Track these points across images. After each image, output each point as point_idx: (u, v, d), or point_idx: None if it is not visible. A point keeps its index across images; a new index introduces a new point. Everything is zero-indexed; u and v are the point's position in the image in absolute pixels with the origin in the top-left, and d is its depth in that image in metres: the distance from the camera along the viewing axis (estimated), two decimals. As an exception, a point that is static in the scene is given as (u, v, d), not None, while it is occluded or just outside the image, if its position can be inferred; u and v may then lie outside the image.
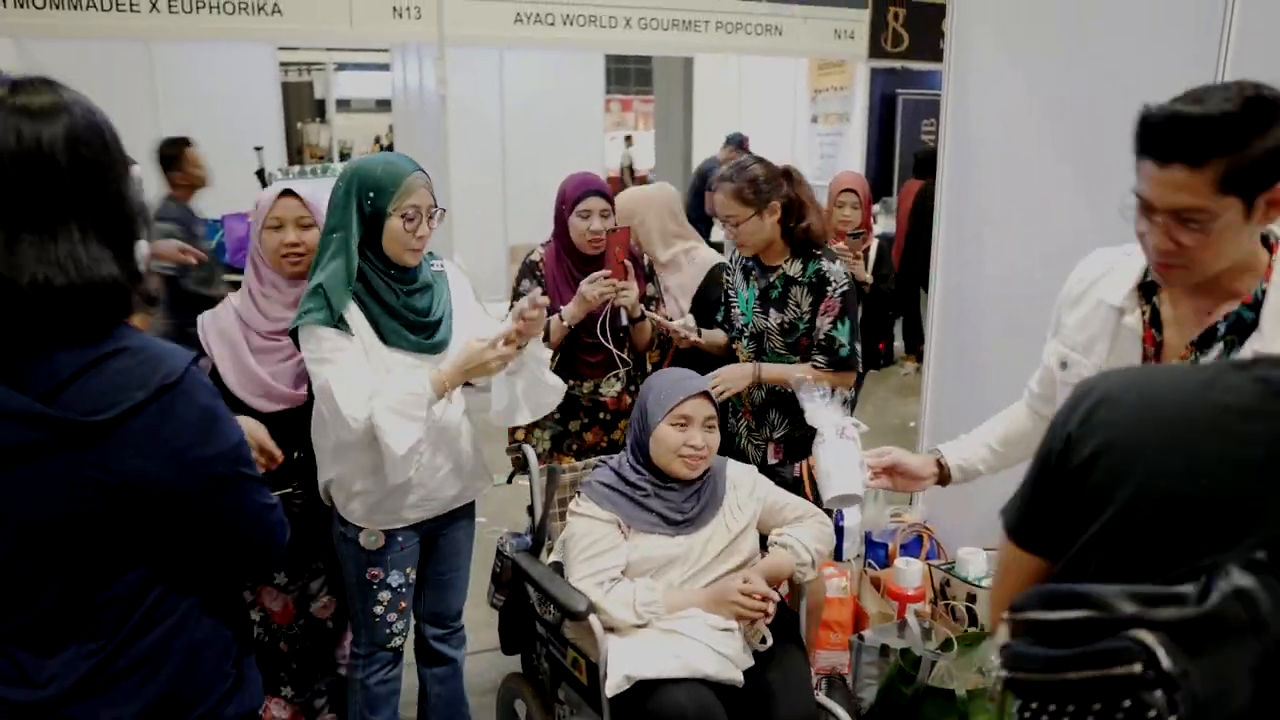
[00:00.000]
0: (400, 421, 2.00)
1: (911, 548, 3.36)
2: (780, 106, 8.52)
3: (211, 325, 2.22)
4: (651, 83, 10.43)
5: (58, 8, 5.20)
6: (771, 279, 2.72)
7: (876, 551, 3.42)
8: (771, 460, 2.84)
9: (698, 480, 2.16)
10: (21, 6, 5.15)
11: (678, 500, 2.13)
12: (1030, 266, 2.98)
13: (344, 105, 11.59)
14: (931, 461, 1.87)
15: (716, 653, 2.00)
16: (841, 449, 1.84)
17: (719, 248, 7.46)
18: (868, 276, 3.15)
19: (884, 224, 7.81)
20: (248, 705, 1.35)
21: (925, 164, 6.05)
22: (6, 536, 1.15)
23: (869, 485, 1.83)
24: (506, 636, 2.40)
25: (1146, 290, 1.50)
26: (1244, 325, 1.40)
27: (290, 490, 2.22)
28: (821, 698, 2.11)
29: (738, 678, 2.00)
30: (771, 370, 2.69)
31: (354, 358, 2.04)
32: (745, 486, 2.21)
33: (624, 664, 1.95)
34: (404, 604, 2.28)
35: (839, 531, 3.51)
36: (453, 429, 2.22)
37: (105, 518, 1.14)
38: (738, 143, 7.51)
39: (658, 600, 2.02)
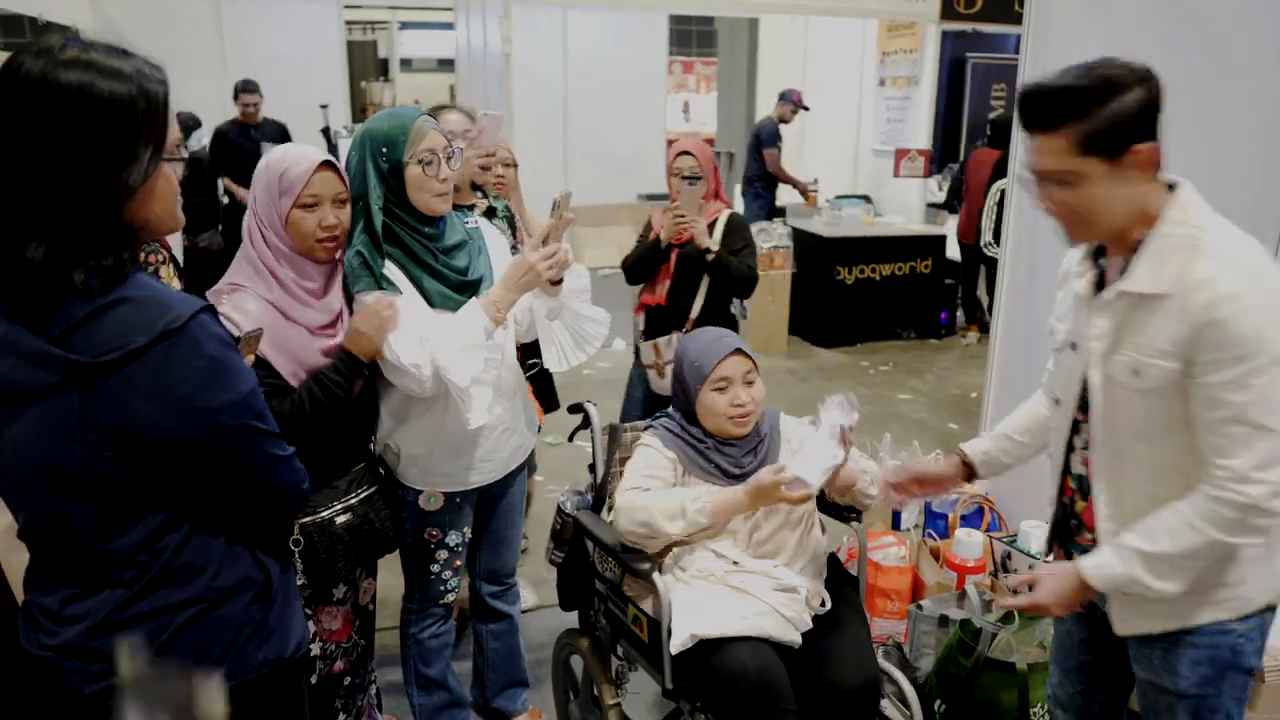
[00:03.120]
0: (461, 355, 1.97)
1: (972, 519, 3.33)
2: (847, 69, 8.35)
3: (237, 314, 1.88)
4: (714, 44, 10.27)
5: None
6: None
7: (936, 522, 3.40)
8: None
9: (754, 435, 2.16)
10: (96, -41, 5.23)
11: (737, 455, 2.14)
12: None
13: (407, 65, 11.60)
14: (955, 462, 1.95)
15: (779, 613, 2.00)
16: (824, 445, 1.92)
17: (782, 212, 7.44)
18: (711, 243, 3.12)
19: (944, 191, 7.66)
20: (280, 651, 1.35)
21: (1001, 132, 5.86)
22: (35, 478, 1.18)
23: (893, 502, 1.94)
24: (565, 593, 2.42)
25: (1097, 254, 1.61)
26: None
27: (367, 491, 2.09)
28: (883, 663, 2.10)
29: (796, 639, 2.00)
30: None
31: (405, 312, 1.98)
32: (798, 439, 2.20)
33: (688, 622, 1.97)
34: (459, 562, 2.32)
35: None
36: (507, 384, 2.23)
37: (115, 461, 1.16)
38: (791, 99, 7.40)
39: (704, 498, 2.03)
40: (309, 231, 1.90)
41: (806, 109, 7.42)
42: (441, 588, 2.32)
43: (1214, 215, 1.48)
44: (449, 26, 8.03)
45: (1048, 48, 3.17)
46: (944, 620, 2.63)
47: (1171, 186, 1.50)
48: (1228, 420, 1.39)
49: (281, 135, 6.42)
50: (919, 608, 2.72)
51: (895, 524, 3.41)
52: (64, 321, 1.12)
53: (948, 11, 6.13)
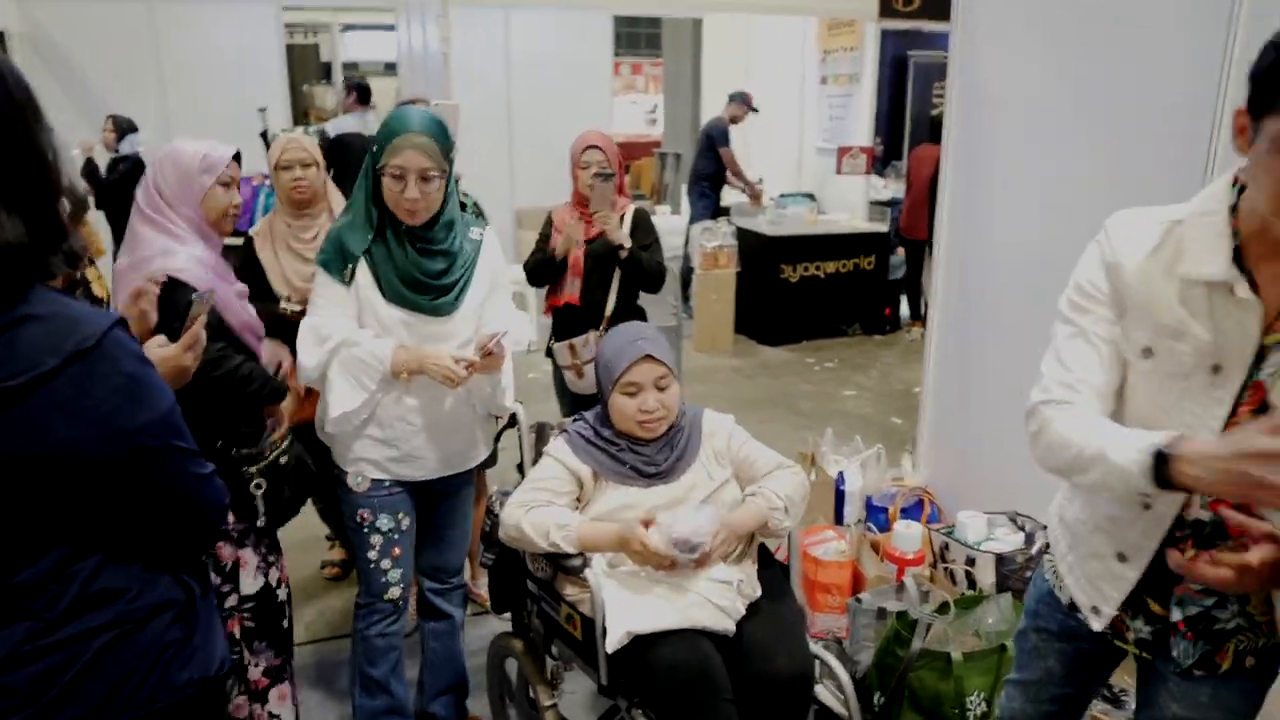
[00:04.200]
0: (349, 384, 2.14)
1: (912, 512, 3.34)
2: (789, 68, 8.40)
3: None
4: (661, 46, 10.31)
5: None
6: None
7: (877, 515, 3.42)
8: None
9: (673, 431, 2.14)
10: (19, -39, 5.09)
11: (650, 453, 2.13)
12: (1040, 232, 2.93)
13: (351, 68, 11.49)
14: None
15: (712, 604, 1.99)
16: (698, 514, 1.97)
17: (725, 211, 7.45)
18: (624, 239, 3.15)
19: (894, 189, 7.74)
20: (204, 669, 1.29)
21: (940, 128, 5.93)
22: None
23: None
24: (497, 595, 2.39)
25: (1238, 257, 1.31)
26: None
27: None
28: (816, 648, 2.10)
29: (730, 627, 1.99)
30: None
31: (334, 305, 2.15)
32: (721, 437, 2.19)
33: (623, 619, 1.95)
34: (397, 551, 2.30)
35: (839, 496, 3.50)
36: (437, 395, 2.23)
37: (17, 491, 1.09)
38: (742, 99, 7.42)
39: (571, 526, 2.02)
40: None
41: (756, 110, 7.45)
42: (382, 579, 2.30)
43: None
44: (392, 28, 7.99)
45: (976, 46, 3.21)
46: (882, 613, 2.64)
47: None
48: None
49: None
50: (858, 601, 2.72)
51: (839, 519, 3.42)
52: None
53: (886, 9, 6.20)
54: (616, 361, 2.12)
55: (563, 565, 2.06)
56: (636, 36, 15.17)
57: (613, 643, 1.93)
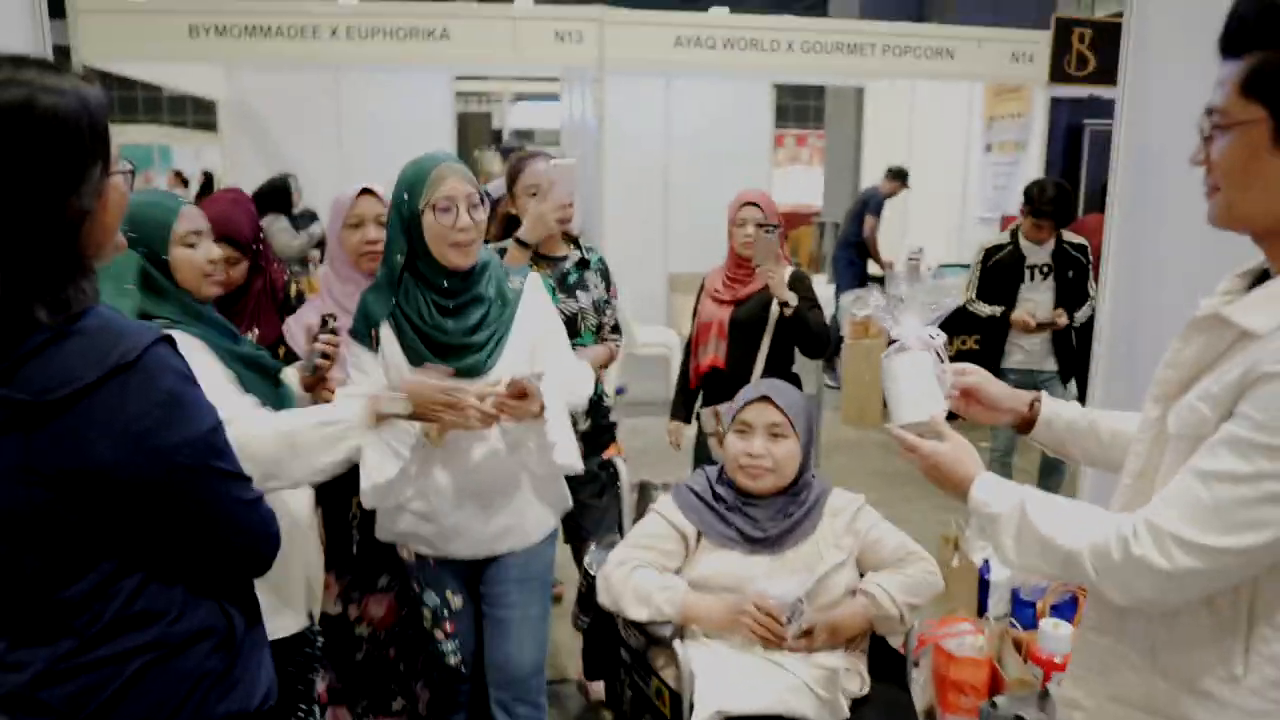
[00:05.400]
0: (379, 452, 1.84)
1: (1064, 610, 3.02)
2: (952, 135, 8.14)
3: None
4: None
5: (252, 35, 5.56)
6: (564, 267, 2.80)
7: (1024, 611, 3.11)
8: None
9: (784, 497, 1.99)
10: (221, 35, 5.55)
11: (761, 518, 1.97)
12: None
13: (524, 136, 11.99)
14: (1022, 400, 1.54)
15: (813, 692, 1.80)
16: (918, 363, 1.48)
17: (879, 280, 7.23)
18: (789, 295, 2.93)
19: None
20: (244, 703, 1.25)
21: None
22: None
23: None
24: (590, 661, 2.27)
25: (1255, 283, 1.19)
26: None
27: None
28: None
29: None
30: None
31: (365, 376, 1.97)
32: (846, 516, 2.01)
33: (714, 695, 1.79)
34: (450, 627, 2.16)
35: (983, 585, 3.21)
36: (478, 462, 2.00)
37: (60, 505, 1.08)
38: (899, 176, 7.27)
39: (677, 591, 1.88)
40: (354, 246, 2.22)
41: (908, 187, 7.34)
42: (437, 647, 2.19)
43: None
44: (558, 99, 8.29)
45: (1146, 111, 2.96)
46: (1019, 720, 2.36)
47: None
48: (1200, 474, 1.09)
49: None
50: (992, 705, 2.45)
51: (981, 611, 3.13)
52: (6, 357, 1.05)
53: (1057, 74, 5.91)
54: (737, 401, 2.07)
55: (653, 635, 1.93)
56: (805, 109, 15.25)
57: None
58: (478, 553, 2.07)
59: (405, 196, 1.92)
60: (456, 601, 2.13)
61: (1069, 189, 4.22)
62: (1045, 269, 4.16)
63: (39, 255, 1.06)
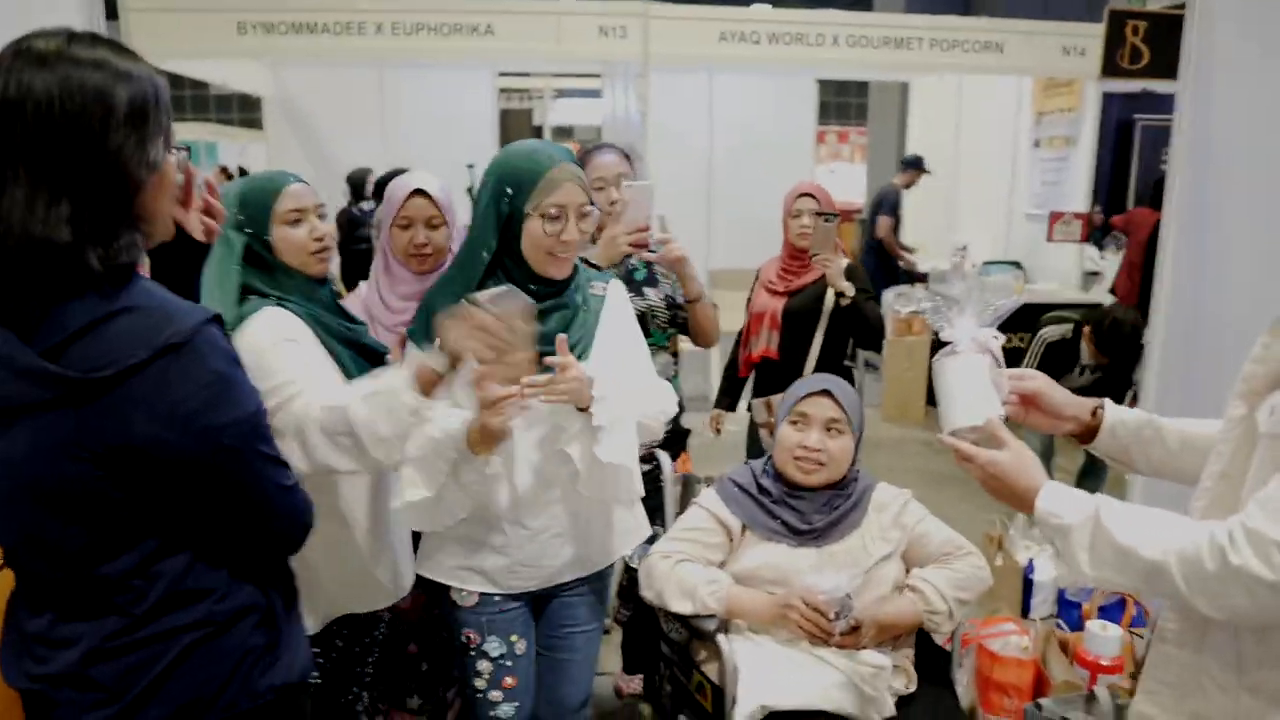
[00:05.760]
0: (415, 469, 1.67)
1: (1112, 612, 2.96)
2: (1000, 131, 8.01)
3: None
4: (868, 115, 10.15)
5: (297, 32, 5.63)
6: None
7: (1070, 612, 3.05)
8: None
9: (831, 491, 1.97)
10: (269, 31, 5.63)
11: (808, 510, 1.96)
12: (1272, 311, 2.55)
13: (565, 132, 12.00)
14: (1086, 408, 1.49)
15: (859, 689, 1.79)
16: (973, 366, 1.40)
17: (921, 277, 7.15)
18: (846, 286, 2.89)
19: (1114, 261, 7.15)
20: (285, 676, 1.28)
21: (1161, 192, 5.47)
22: (23, 498, 1.13)
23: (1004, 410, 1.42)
24: (630, 654, 2.26)
25: None
26: None
27: None
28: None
29: None
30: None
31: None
32: (892, 510, 1.99)
33: (757, 690, 1.79)
34: (511, 680, 1.87)
35: (1027, 585, 3.15)
36: (557, 495, 1.81)
37: (107, 481, 1.10)
38: (914, 164, 7.21)
39: (721, 584, 1.86)
40: (403, 246, 2.17)
41: (929, 172, 7.26)
42: (490, 712, 1.88)
43: None
44: (600, 94, 8.29)
45: (1209, 107, 2.88)
46: (1065, 723, 2.31)
47: None
48: None
49: None
50: (1037, 707, 2.40)
51: (1025, 612, 3.08)
52: (60, 332, 1.08)
53: (1110, 68, 5.80)
54: (794, 393, 2.06)
55: (696, 628, 1.92)
56: (846, 106, 15.12)
57: (743, 715, 1.76)
58: (554, 579, 1.88)
59: (509, 193, 1.69)
60: (520, 646, 1.88)
61: (1141, 328, 4.07)
62: (1095, 368, 4.13)
63: (101, 204, 1.10)
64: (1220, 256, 2.83)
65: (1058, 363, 4.13)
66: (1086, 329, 4.08)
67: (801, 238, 3.02)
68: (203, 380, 1.11)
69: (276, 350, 1.63)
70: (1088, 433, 1.50)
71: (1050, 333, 4.28)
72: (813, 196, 3.06)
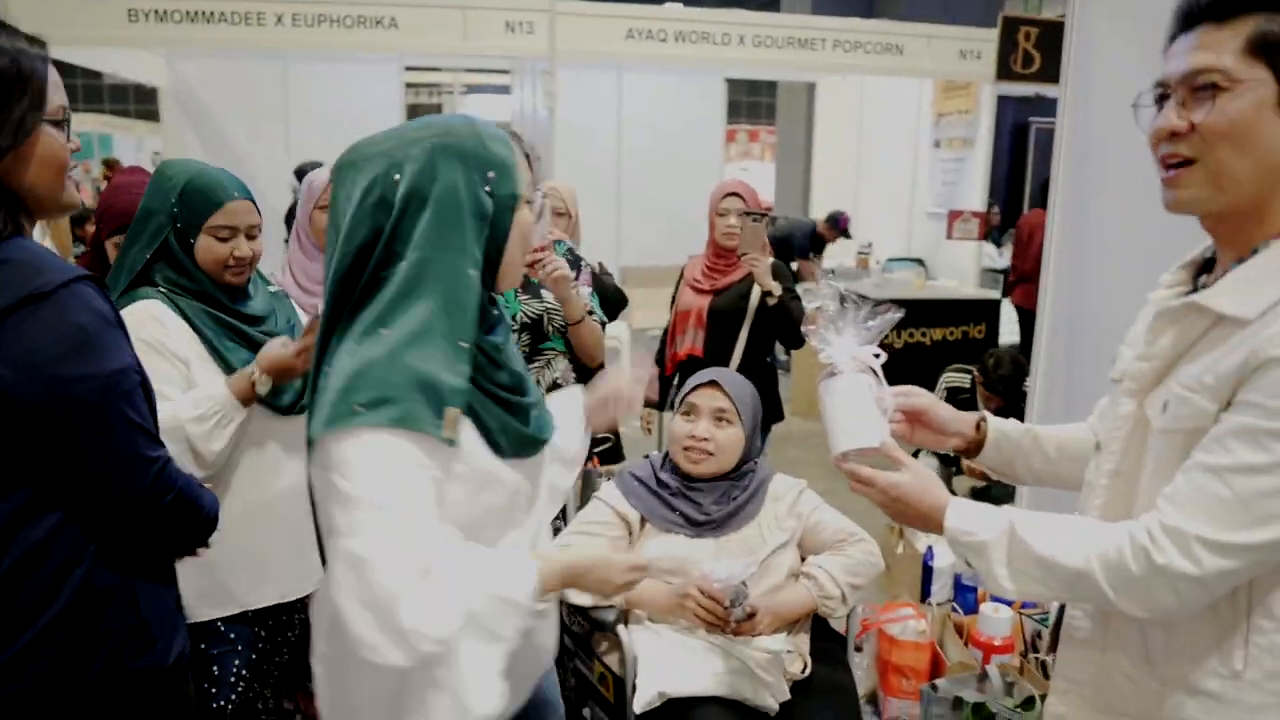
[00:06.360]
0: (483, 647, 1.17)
1: (1005, 594, 3.07)
2: (902, 131, 8.23)
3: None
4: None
5: (193, 21, 5.45)
6: None
7: (966, 596, 3.14)
8: None
9: (727, 482, 2.00)
10: (161, 20, 5.43)
11: (705, 502, 1.98)
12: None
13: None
14: (970, 422, 1.48)
15: (757, 675, 1.81)
16: (856, 386, 1.35)
17: (828, 274, 7.28)
18: (774, 285, 2.97)
19: (1010, 257, 7.42)
20: (156, 659, 1.28)
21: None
22: None
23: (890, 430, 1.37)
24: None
25: (1200, 271, 1.21)
26: None
27: None
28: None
29: (773, 706, 1.81)
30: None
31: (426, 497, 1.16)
32: (788, 500, 2.03)
33: (656, 678, 1.80)
34: None
35: (926, 572, 3.25)
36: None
37: None
38: (838, 225, 7.41)
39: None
40: (323, 228, 2.15)
41: (849, 237, 7.42)
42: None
43: None
44: (509, 91, 8.23)
45: (1089, 111, 3.00)
46: (959, 703, 2.39)
47: None
48: (1213, 470, 1.04)
49: None
50: (933, 688, 2.48)
51: (924, 597, 3.17)
52: None
53: (1004, 71, 6.00)
54: (688, 384, 2.07)
55: (596, 620, 1.92)
56: (757, 105, 15.32)
57: (642, 703, 1.78)
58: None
59: (491, 176, 1.21)
60: None
61: (1024, 364, 4.18)
62: (995, 412, 4.28)
63: None
64: (1099, 258, 2.94)
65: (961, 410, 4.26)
66: (977, 376, 4.22)
67: (728, 237, 3.03)
68: (60, 332, 1.12)
69: None
70: (973, 447, 1.49)
71: (950, 379, 4.43)
72: (739, 196, 3.07)
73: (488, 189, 1.20)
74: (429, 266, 1.15)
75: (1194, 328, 1.12)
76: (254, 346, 1.81)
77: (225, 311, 1.83)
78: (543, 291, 2.52)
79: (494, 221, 1.21)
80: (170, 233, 1.77)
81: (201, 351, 1.78)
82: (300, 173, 6.61)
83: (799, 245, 7.21)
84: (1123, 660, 1.19)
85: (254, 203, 1.86)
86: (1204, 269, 1.21)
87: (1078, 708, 1.25)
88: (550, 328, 2.51)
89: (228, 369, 1.78)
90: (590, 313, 2.53)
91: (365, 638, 1.05)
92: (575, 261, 2.70)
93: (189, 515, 1.32)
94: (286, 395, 1.85)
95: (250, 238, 1.83)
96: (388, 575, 1.04)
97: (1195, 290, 1.16)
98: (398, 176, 1.16)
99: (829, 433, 1.34)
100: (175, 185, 1.76)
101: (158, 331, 1.74)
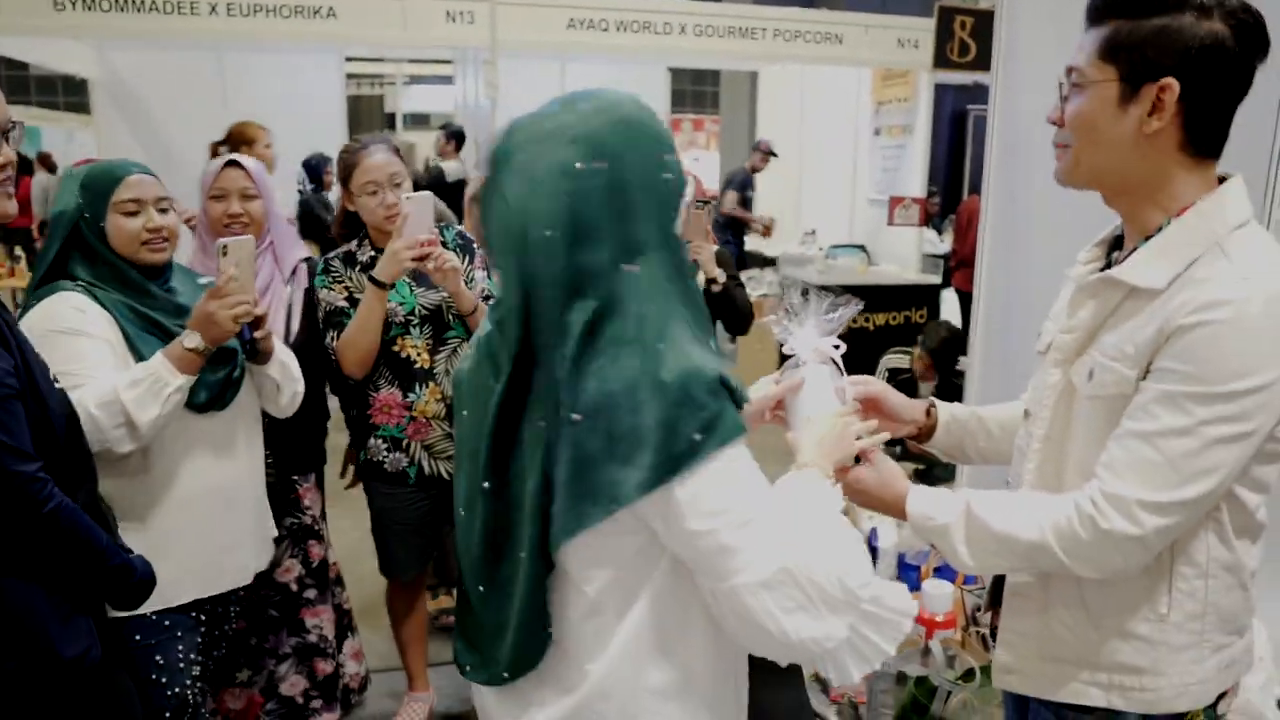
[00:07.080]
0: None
1: (946, 571, 3.13)
2: (843, 119, 8.33)
3: None
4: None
5: (123, 10, 5.31)
6: None
7: (909, 574, 3.21)
8: None
9: None
10: (89, 9, 5.28)
11: None
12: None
13: (421, 120, 11.74)
14: (920, 408, 1.58)
15: None
16: (817, 377, 1.39)
17: (771, 262, 7.35)
18: (718, 272, 3.04)
19: (950, 242, 7.55)
20: (50, 661, 1.33)
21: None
22: None
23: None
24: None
25: (1113, 248, 1.34)
26: None
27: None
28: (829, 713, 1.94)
29: None
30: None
31: None
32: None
33: None
34: None
35: (871, 552, 3.30)
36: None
37: None
38: (759, 148, 7.54)
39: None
40: (216, 217, 2.24)
41: (775, 155, 7.53)
42: None
43: (1254, 221, 1.20)
44: (452, 81, 8.15)
45: (1018, 98, 3.07)
46: (902, 677, 2.45)
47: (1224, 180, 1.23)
48: (1142, 436, 1.13)
49: None
50: (877, 664, 2.53)
51: (869, 577, 3.23)
52: None
53: (941, 60, 6.10)
54: None
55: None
56: (702, 95, 15.37)
57: None
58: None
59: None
60: None
61: (957, 330, 4.38)
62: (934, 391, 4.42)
63: None
64: (1030, 240, 3.03)
65: (903, 391, 4.45)
66: (916, 351, 4.36)
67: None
68: None
69: (45, 341, 1.63)
70: (924, 432, 1.58)
71: (890, 360, 4.56)
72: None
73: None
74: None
75: (1110, 300, 1.23)
76: (170, 339, 1.81)
77: (145, 300, 1.84)
78: None
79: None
80: (80, 221, 1.79)
81: (119, 340, 1.79)
82: (308, 164, 6.52)
83: (736, 183, 7.50)
84: (1063, 613, 1.30)
85: (157, 180, 1.89)
86: (1115, 246, 1.32)
87: (1022, 657, 1.36)
88: (449, 316, 2.46)
89: (140, 360, 1.78)
90: (487, 298, 2.45)
91: (818, 635, 1.01)
92: (467, 244, 2.58)
93: (75, 539, 1.35)
94: (202, 393, 1.85)
95: (161, 211, 1.85)
96: (808, 570, 1.01)
97: (1109, 266, 1.27)
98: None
99: (791, 424, 1.40)
100: (76, 178, 1.82)
101: (78, 319, 1.75)
